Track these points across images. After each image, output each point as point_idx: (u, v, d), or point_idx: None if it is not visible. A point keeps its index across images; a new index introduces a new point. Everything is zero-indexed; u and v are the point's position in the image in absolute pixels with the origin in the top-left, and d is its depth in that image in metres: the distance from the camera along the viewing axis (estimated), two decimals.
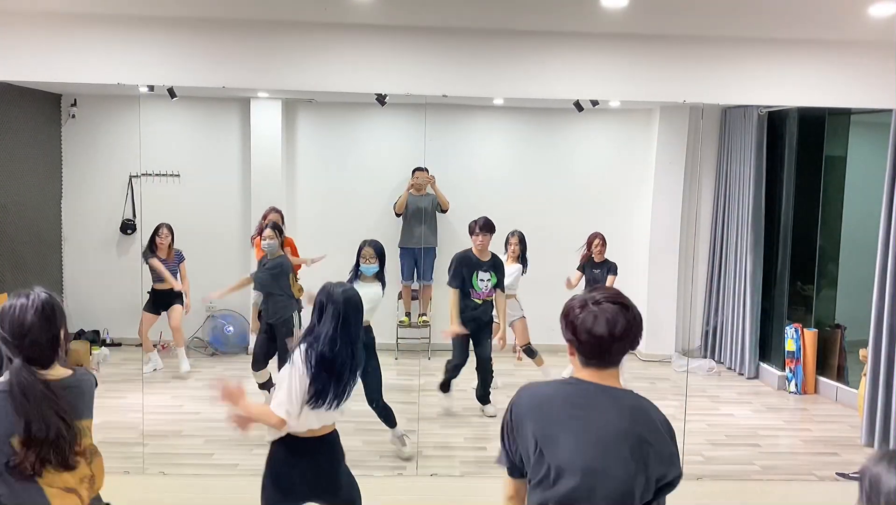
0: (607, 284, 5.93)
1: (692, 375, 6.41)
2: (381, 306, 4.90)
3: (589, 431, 1.89)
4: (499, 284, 5.47)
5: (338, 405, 2.88)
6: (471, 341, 5.52)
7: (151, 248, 6.10)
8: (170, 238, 6.16)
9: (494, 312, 5.56)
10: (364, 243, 4.77)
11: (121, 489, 4.44)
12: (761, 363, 6.83)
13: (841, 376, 6.43)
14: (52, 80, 4.65)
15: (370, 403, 4.84)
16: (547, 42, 4.67)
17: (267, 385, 5.36)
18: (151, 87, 4.75)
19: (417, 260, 6.72)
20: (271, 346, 5.34)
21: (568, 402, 1.95)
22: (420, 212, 6.63)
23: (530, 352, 5.96)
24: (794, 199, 6.77)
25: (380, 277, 4.78)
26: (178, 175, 6.71)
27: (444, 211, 6.71)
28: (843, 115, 6.28)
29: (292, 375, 2.81)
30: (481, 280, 5.40)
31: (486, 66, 4.69)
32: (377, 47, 4.64)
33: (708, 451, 5.17)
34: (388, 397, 5.10)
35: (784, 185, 6.81)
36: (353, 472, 3.11)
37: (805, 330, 6.51)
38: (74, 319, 6.67)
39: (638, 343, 1.99)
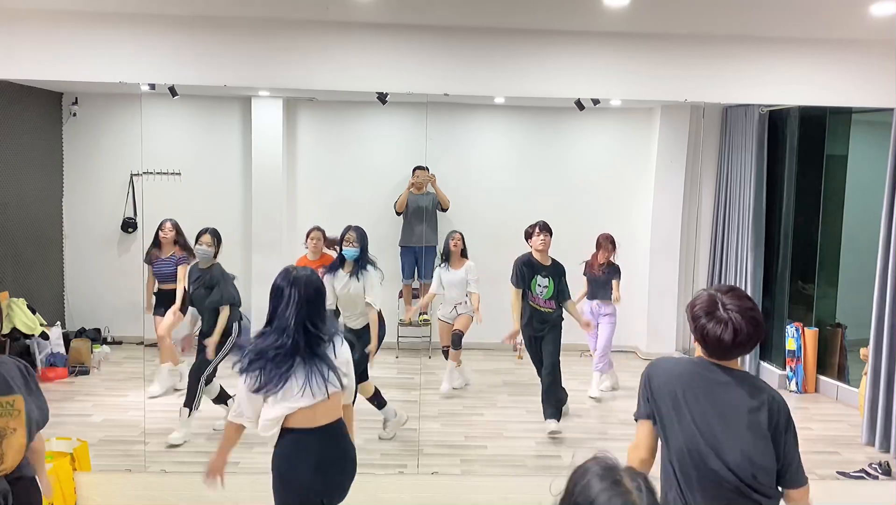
0: (613, 289, 5.93)
1: None
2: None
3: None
4: (561, 295, 5.41)
5: (278, 387, 2.85)
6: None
7: (156, 244, 5.86)
8: (174, 233, 5.88)
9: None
10: (347, 228, 5.00)
11: (123, 487, 4.47)
12: (762, 362, 6.82)
13: (841, 375, 6.43)
14: (54, 78, 4.64)
15: None
16: (548, 41, 4.67)
17: (223, 398, 5.19)
18: (153, 86, 4.74)
19: (418, 259, 6.73)
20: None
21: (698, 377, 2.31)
22: (420, 210, 6.64)
23: (457, 342, 5.89)
24: (795, 198, 6.77)
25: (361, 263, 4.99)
26: (179, 173, 6.71)
27: (444, 210, 6.71)
28: (845, 114, 6.27)
29: (239, 381, 2.93)
30: (539, 285, 5.36)
31: (487, 65, 4.69)
32: (378, 46, 4.64)
33: None
34: (389, 396, 5.11)
35: (785, 184, 6.80)
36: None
37: (806, 329, 6.51)
38: (75, 317, 6.68)
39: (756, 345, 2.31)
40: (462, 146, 7.04)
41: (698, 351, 2.38)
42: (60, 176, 6.76)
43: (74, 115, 6.72)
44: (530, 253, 5.42)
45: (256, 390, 2.86)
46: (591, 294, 6.11)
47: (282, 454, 2.93)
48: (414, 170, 6.61)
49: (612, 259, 6.01)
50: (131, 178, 6.65)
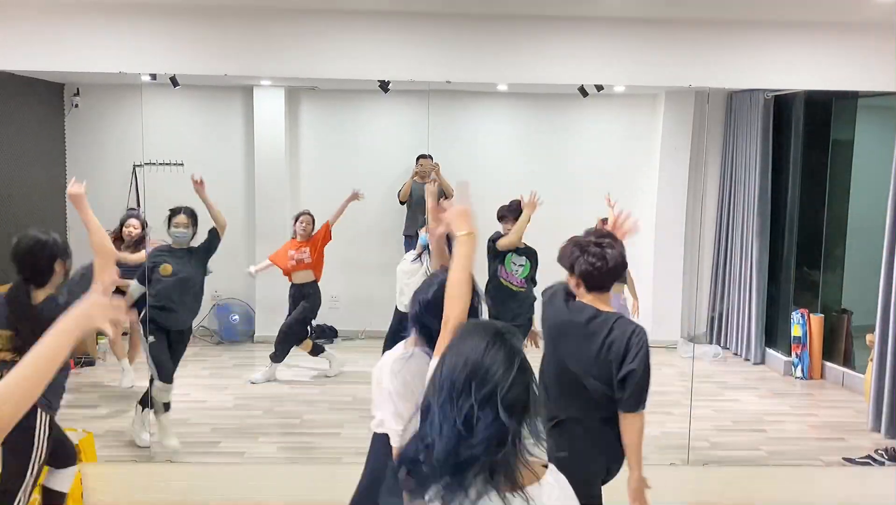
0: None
1: (698, 360, 6.40)
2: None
3: None
4: (531, 276, 5.19)
5: None
6: None
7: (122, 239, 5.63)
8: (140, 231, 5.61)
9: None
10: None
11: (129, 478, 4.48)
12: (767, 349, 6.81)
13: (847, 361, 6.42)
14: (55, 69, 4.64)
15: None
16: (551, 27, 4.64)
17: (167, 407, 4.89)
18: (154, 76, 4.73)
19: None
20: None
21: None
22: (424, 199, 6.60)
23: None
24: (801, 183, 6.73)
25: None
26: (181, 164, 6.69)
27: (448, 198, 6.67)
28: (850, 98, 6.22)
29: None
30: (514, 263, 5.16)
31: (489, 52, 4.66)
32: (380, 34, 4.61)
33: (714, 436, 5.17)
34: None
35: (790, 170, 6.76)
36: (359, 461, 3.10)
37: (811, 315, 6.49)
38: None
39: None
40: (465, 134, 7.00)
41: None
42: (63, 167, 6.75)
43: (76, 106, 6.70)
44: (499, 232, 5.23)
45: None
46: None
47: None
48: (418, 158, 6.59)
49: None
50: (134, 168, 6.64)
